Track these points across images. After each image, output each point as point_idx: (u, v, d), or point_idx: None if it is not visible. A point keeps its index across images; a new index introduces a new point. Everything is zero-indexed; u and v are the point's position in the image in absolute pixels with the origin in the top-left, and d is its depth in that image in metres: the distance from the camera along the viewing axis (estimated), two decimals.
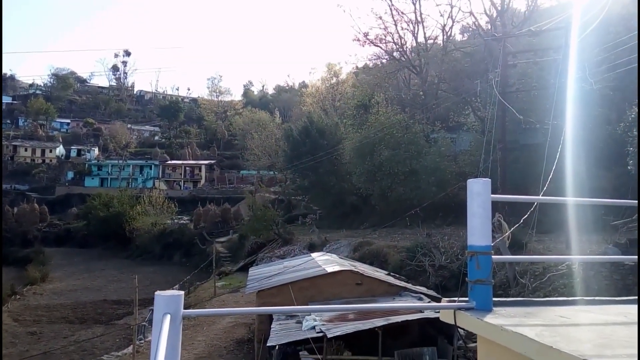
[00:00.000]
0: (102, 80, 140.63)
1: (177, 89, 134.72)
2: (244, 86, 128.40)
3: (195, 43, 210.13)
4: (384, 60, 49.61)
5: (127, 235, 53.06)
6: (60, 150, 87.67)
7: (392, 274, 19.62)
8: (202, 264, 35.07)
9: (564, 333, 2.46)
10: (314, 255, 22.22)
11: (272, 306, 14.03)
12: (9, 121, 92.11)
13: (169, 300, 2.10)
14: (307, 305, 14.77)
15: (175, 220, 56.01)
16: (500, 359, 2.62)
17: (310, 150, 41.23)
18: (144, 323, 21.74)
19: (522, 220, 5.37)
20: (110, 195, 58.59)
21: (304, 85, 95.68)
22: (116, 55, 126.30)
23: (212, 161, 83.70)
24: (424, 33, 45.64)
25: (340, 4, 56.36)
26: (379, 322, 11.79)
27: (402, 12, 44.33)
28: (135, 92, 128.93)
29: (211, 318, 21.70)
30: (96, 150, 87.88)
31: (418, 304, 13.71)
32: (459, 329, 2.96)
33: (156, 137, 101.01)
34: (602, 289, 12.38)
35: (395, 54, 46.41)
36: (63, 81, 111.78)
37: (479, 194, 2.88)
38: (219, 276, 33.55)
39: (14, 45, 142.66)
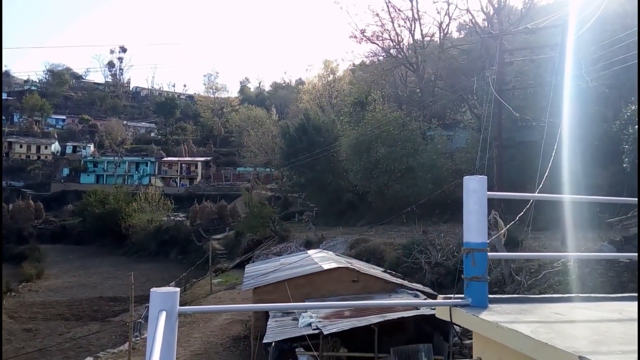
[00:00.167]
0: (97, 76, 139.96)
1: (174, 86, 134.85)
2: (241, 83, 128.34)
3: (192, 39, 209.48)
4: (380, 58, 49.56)
5: (123, 232, 52.93)
6: (55, 146, 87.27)
7: (388, 271, 19.65)
8: (199, 261, 35.03)
9: (559, 330, 2.47)
10: (310, 252, 22.21)
11: (268, 303, 14.03)
12: (3, 117, 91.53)
13: (164, 297, 2.10)
14: (304, 302, 14.80)
15: (172, 217, 55.91)
16: (496, 356, 2.63)
17: (306, 147, 41.21)
18: (140, 320, 21.72)
19: (518, 218, 5.39)
20: (106, 192, 58.38)
21: (300, 82, 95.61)
22: (112, 52, 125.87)
23: (209, 158, 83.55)
24: (421, 30, 45.66)
25: (337, 1, 56.20)
26: (375, 319, 11.80)
27: (399, 10, 44.35)
28: (131, 89, 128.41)
29: (207, 315, 21.69)
30: (92, 147, 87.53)
31: (414, 300, 13.73)
32: (454, 326, 2.97)
33: (152, 134, 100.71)
34: (597, 286, 12.45)
35: (392, 51, 46.37)
36: (58, 77, 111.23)
37: (475, 191, 2.88)
38: (215, 273, 33.51)
39: (8, 41, 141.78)
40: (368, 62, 53.74)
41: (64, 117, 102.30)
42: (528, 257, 16.45)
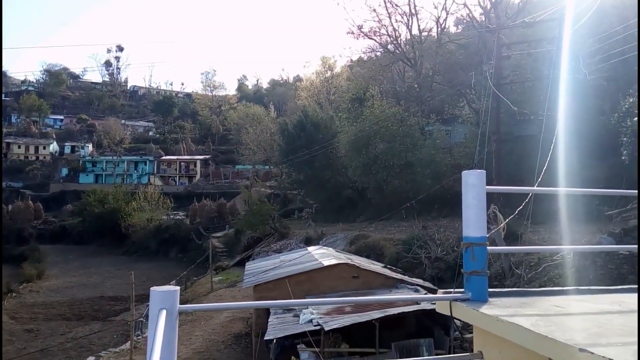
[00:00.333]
0: (95, 76, 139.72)
1: (171, 84, 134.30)
2: (238, 80, 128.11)
3: (189, 38, 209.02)
4: (378, 53, 49.48)
5: (122, 232, 52.92)
6: (53, 146, 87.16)
7: (388, 266, 19.69)
8: (199, 259, 35.03)
9: (559, 322, 2.47)
10: (310, 249, 22.24)
11: (269, 300, 14.04)
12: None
13: (164, 296, 2.10)
14: (304, 298, 14.83)
15: (171, 216, 55.92)
16: (497, 349, 2.64)
17: (305, 144, 41.17)
18: (141, 319, 21.74)
19: (517, 212, 5.40)
20: (105, 192, 58.30)
21: (298, 79, 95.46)
22: (109, 51, 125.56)
23: (207, 156, 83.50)
24: (418, 25, 45.58)
25: None
26: (375, 314, 11.84)
27: (396, 5, 44.18)
28: (128, 88, 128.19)
29: (208, 313, 21.72)
30: (90, 147, 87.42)
31: (414, 295, 13.77)
32: (455, 320, 2.98)
33: (150, 133, 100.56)
34: (597, 279, 12.48)
35: (389, 46, 46.27)
36: (55, 77, 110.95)
37: (473, 186, 2.88)
38: (215, 271, 33.54)
39: (5, 41, 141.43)
40: (366, 58, 53.65)
41: (61, 117, 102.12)
42: (528, 250, 16.47)
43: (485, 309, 2.65)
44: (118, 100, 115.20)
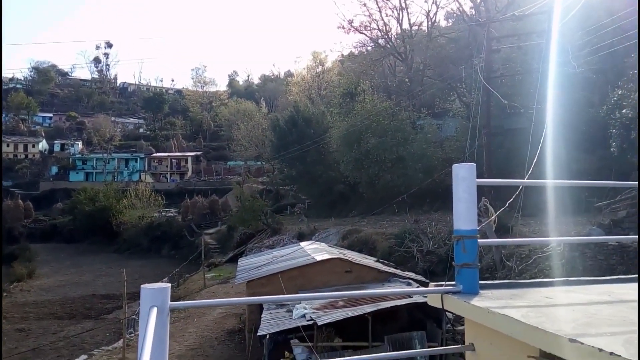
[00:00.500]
0: (84, 72, 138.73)
1: (161, 81, 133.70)
2: (229, 76, 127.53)
3: (179, 33, 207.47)
4: (369, 48, 49.41)
5: (114, 230, 52.67)
6: (43, 145, 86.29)
7: (380, 260, 19.75)
8: (191, 256, 34.96)
9: (549, 313, 2.49)
10: (303, 244, 22.25)
11: (261, 296, 14.03)
12: None
13: (155, 293, 2.08)
14: (297, 294, 14.84)
15: (163, 213, 55.69)
16: (488, 341, 2.65)
17: (297, 139, 41.10)
18: (134, 317, 21.64)
19: (507, 204, 5.43)
20: (95, 190, 57.98)
21: (289, 74, 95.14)
22: (97, 47, 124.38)
23: (199, 153, 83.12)
24: (409, 19, 45.59)
25: None
26: (368, 308, 11.88)
27: None
28: (118, 84, 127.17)
29: (201, 309, 21.68)
30: (80, 144, 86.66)
31: (406, 289, 13.84)
32: (447, 313, 2.99)
33: (141, 130, 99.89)
34: (586, 270, 12.61)
35: (380, 41, 46.22)
36: (44, 75, 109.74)
37: (464, 179, 2.89)
38: (208, 268, 33.48)
39: None
40: (356, 52, 53.58)
41: (50, 114, 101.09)
42: (518, 242, 16.61)
43: (476, 301, 2.66)
44: (108, 97, 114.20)
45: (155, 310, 1.99)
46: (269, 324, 12.48)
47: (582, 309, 2.57)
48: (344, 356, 10.87)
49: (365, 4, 44.31)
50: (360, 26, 45.72)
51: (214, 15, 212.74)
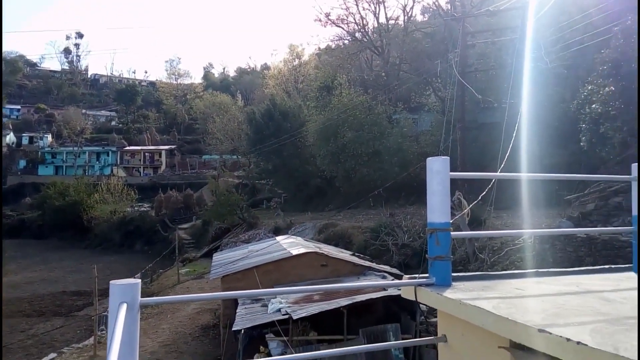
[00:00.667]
0: (53, 63, 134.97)
1: (134, 72, 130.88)
2: (204, 68, 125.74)
3: (152, 23, 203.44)
4: (346, 41, 49.45)
5: (85, 225, 51.62)
6: (10, 138, 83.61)
7: (356, 254, 19.86)
8: (165, 251, 34.52)
9: (520, 304, 2.52)
10: (278, 238, 22.20)
11: (236, 291, 13.95)
12: None
13: (125, 289, 2.03)
14: (273, 288, 14.79)
15: (136, 208, 54.78)
16: (460, 332, 2.67)
17: (273, 133, 40.91)
18: (105, 313, 21.24)
19: (480, 197, 5.50)
20: (65, 184, 56.63)
21: (266, 67, 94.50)
22: (68, 38, 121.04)
23: (173, 146, 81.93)
24: (385, 13, 46.08)
25: None
26: (343, 301, 11.93)
27: None
28: (89, 76, 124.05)
29: (175, 305, 21.44)
30: (49, 137, 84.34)
31: (381, 282, 13.95)
32: (420, 305, 3.01)
33: (113, 123, 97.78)
34: (556, 261, 12.93)
35: (357, 34, 46.30)
36: (11, 65, 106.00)
37: (438, 172, 2.90)
38: (182, 263, 33.13)
39: None
40: (333, 46, 53.61)
41: (18, 106, 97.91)
42: (491, 235, 16.86)
43: (448, 293, 2.68)
44: (78, 89, 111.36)
45: (124, 306, 1.95)
46: (243, 319, 12.42)
47: (551, 299, 2.62)
48: (319, 350, 10.89)
49: None
50: (337, 19, 45.74)
51: (189, 6, 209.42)
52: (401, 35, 41.66)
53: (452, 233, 2.94)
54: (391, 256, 20.39)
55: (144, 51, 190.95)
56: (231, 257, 19.43)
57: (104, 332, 19.86)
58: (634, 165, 3.55)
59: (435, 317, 3.06)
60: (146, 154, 79.33)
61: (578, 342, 1.80)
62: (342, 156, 32.89)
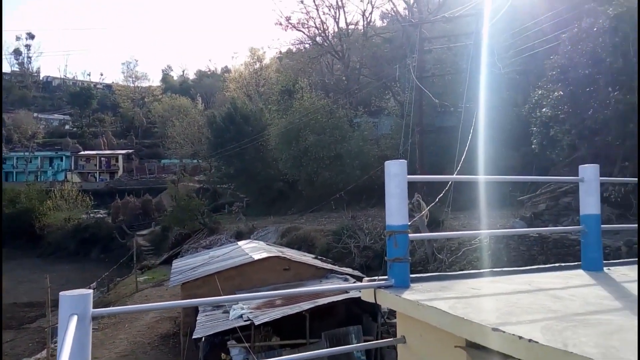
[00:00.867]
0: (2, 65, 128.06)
1: (89, 75, 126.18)
2: (163, 71, 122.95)
3: (109, 25, 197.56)
4: (307, 45, 49.60)
5: (37, 233, 49.45)
6: None
7: (319, 257, 19.90)
8: (122, 259, 33.49)
9: (475, 304, 2.58)
10: (240, 243, 21.96)
11: (197, 298, 13.71)
12: None
13: (75, 300, 1.96)
14: (234, 294, 14.61)
15: (91, 215, 52.94)
16: (418, 333, 2.71)
17: (234, 136, 40.48)
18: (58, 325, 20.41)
19: (437, 199, 5.62)
20: (16, 191, 54.15)
21: (226, 70, 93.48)
22: (18, 38, 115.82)
23: (130, 150, 79.70)
24: (345, 18, 46.38)
25: None
26: (306, 305, 11.92)
27: None
28: (41, 78, 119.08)
29: (134, 314, 20.82)
30: None
31: (342, 285, 14.01)
32: (381, 306, 3.05)
33: (67, 127, 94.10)
34: (510, 260, 13.35)
35: (317, 38, 46.51)
36: None
37: (395, 175, 2.93)
38: (141, 270, 32.24)
39: None
40: (294, 50, 53.59)
41: None
42: (448, 236, 17.32)
43: (407, 295, 2.72)
44: (29, 92, 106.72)
45: (75, 318, 1.88)
46: (204, 326, 12.20)
47: (504, 298, 2.70)
48: (281, 355, 10.82)
49: (302, 1, 44.44)
50: (297, 23, 45.80)
51: (146, 7, 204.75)
52: (361, 40, 42.16)
53: (410, 235, 2.98)
54: (353, 258, 20.53)
55: (99, 53, 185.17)
56: (191, 264, 19.07)
57: (57, 344, 19.09)
58: (581, 167, 3.72)
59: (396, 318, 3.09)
60: (102, 158, 76.84)
61: (530, 340, 1.86)
62: (304, 160, 32.90)
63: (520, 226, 14.62)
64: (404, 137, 19.54)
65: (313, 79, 45.21)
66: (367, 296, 2.99)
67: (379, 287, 2.90)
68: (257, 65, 68.90)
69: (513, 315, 2.27)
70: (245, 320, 11.86)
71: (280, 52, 61.07)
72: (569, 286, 3.03)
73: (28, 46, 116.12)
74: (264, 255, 16.87)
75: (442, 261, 15.76)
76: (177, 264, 20.69)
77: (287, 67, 52.00)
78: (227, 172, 44.24)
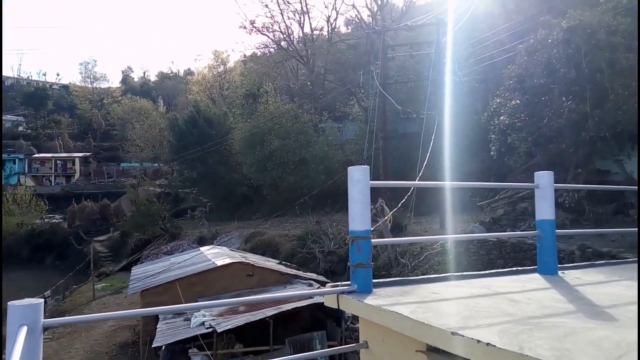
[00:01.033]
0: None
1: (45, 75, 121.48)
2: (123, 72, 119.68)
3: (66, 23, 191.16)
4: (271, 49, 49.43)
5: None
6: None
7: (283, 262, 19.81)
8: (79, 266, 32.36)
9: (435, 308, 2.61)
10: (203, 249, 21.61)
11: (157, 306, 13.36)
12: None
13: (25, 310, 1.87)
14: (196, 301, 14.33)
15: (46, 220, 50.90)
16: (380, 338, 2.72)
17: (197, 140, 39.85)
18: None
19: (400, 204, 5.70)
20: None
21: (189, 72, 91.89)
22: None
23: (88, 153, 77.15)
24: (310, 24, 46.55)
25: None
26: (269, 311, 11.81)
27: (288, 2, 44.50)
28: None
29: (90, 323, 20.11)
30: None
31: (305, 291, 13.99)
32: (345, 311, 3.05)
33: (20, 128, 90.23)
34: (470, 264, 13.67)
35: (282, 43, 46.46)
36: None
37: (358, 181, 2.95)
38: (98, 277, 31.21)
39: None
40: (259, 53, 53.37)
41: None
42: (411, 241, 17.55)
43: (369, 300, 2.73)
44: None
45: (24, 329, 1.79)
46: (165, 335, 11.91)
47: (464, 302, 2.75)
48: None
49: (267, 5, 44.34)
50: (262, 27, 45.65)
51: (107, 6, 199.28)
52: (326, 45, 42.41)
53: (373, 240, 3.00)
54: (318, 263, 20.54)
55: (55, 52, 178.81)
56: (151, 270, 18.61)
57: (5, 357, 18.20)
58: (537, 174, 3.84)
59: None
60: (58, 161, 74.08)
61: (487, 344, 1.90)
62: (268, 164, 32.73)
63: (479, 231, 15.00)
64: (368, 142, 19.75)
65: (278, 83, 45.09)
66: (330, 302, 2.99)
67: (342, 292, 2.90)
68: (221, 68, 68.20)
69: (472, 319, 2.31)
70: (207, 328, 11.65)
71: (245, 55, 60.76)
72: (525, 290, 3.12)
73: None
74: (227, 261, 16.66)
75: (405, 265, 15.98)
76: (136, 270, 20.17)
77: (251, 71, 51.68)
78: (190, 176, 43.47)
